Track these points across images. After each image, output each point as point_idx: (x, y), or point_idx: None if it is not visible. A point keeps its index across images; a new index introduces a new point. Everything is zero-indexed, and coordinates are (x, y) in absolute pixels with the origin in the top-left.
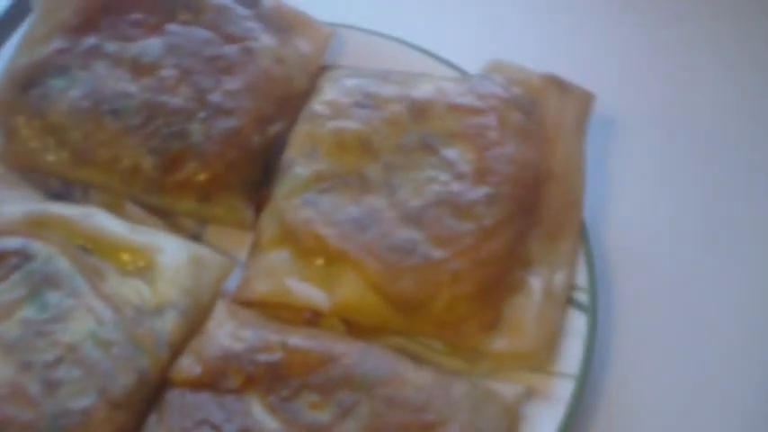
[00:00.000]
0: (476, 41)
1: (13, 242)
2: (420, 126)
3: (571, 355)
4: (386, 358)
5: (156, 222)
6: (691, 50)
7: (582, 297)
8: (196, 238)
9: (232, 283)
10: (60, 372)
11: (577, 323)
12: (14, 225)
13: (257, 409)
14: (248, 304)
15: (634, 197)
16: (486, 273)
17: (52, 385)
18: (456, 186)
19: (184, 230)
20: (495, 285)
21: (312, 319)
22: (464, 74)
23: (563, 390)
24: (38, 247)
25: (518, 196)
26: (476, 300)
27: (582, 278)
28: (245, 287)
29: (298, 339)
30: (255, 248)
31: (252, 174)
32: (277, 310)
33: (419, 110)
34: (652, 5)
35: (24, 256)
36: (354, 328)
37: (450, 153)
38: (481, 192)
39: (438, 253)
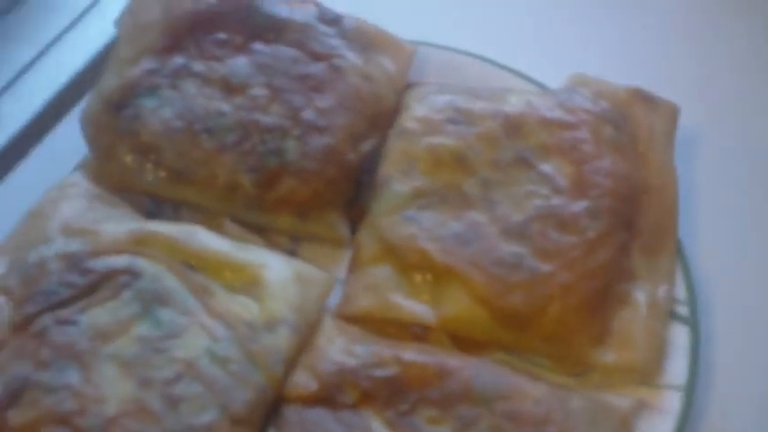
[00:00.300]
0: (553, 55)
1: (120, 261)
2: (514, 141)
3: (676, 367)
4: (501, 372)
5: (255, 239)
6: None
7: (682, 310)
8: (291, 255)
9: (333, 300)
10: (180, 388)
11: (680, 336)
12: (119, 244)
13: (375, 425)
14: (352, 320)
15: (721, 208)
16: (594, 285)
17: (174, 401)
18: (556, 200)
19: (280, 248)
20: (602, 298)
21: (420, 334)
22: (544, 88)
23: (671, 402)
24: (144, 264)
25: (617, 209)
26: (584, 312)
27: (680, 291)
28: (349, 303)
29: (412, 354)
30: (355, 264)
31: (347, 190)
32: (381, 326)
33: (512, 125)
34: (730, 20)
35: (132, 274)
36: (461, 343)
37: (547, 167)
38: (582, 205)
39: (545, 266)
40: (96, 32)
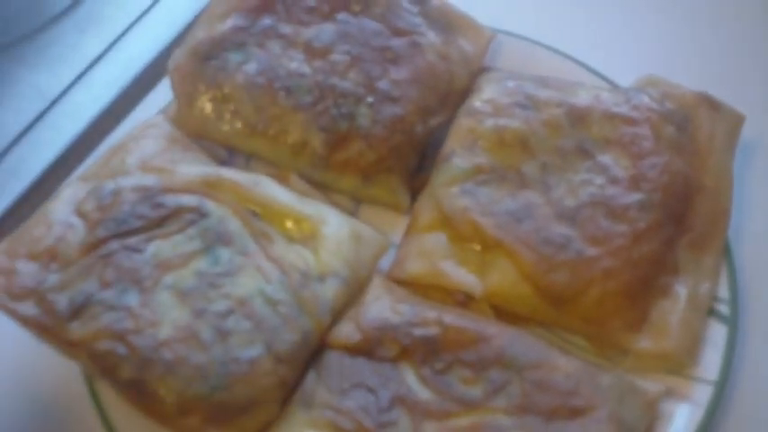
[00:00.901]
0: (627, 55)
1: (189, 199)
2: (577, 131)
3: (710, 362)
4: (536, 344)
5: (318, 195)
6: None
7: (724, 309)
8: (351, 215)
9: (385, 262)
10: (231, 322)
11: (718, 333)
12: (191, 184)
13: (411, 379)
14: (401, 282)
15: None
16: (636, 274)
17: (223, 334)
18: (610, 190)
19: (340, 207)
20: (643, 287)
21: (463, 302)
22: (615, 86)
23: (701, 393)
24: (212, 206)
25: (669, 204)
26: (624, 298)
27: (723, 290)
28: (400, 266)
29: (453, 318)
30: (411, 230)
31: (411, 160)
32: (427, 291)
33: (577, 116)
34: None
35: (199, 213)
36: (502, 314)
37: (606, 159)
38: (635, 197)
39: (591, 250)
40: (164, 24)
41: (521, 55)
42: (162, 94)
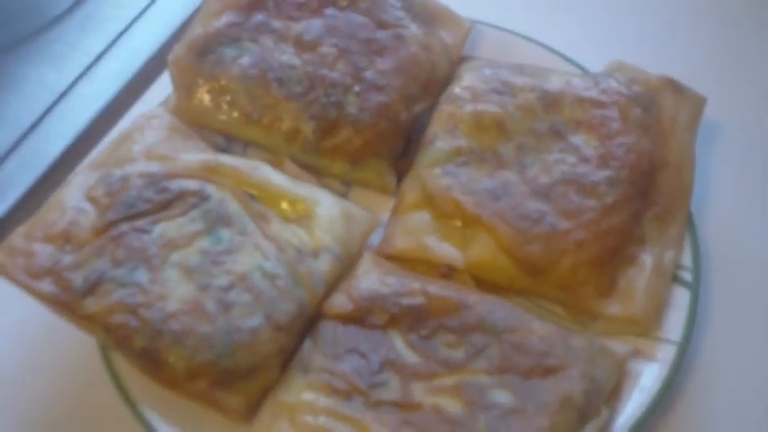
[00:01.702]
0: (598, 42)
1: (192, 184)
2: (550, 114)
3: (674, 324)
4: (513, 310)
5: (311, 179)
6: None
7: (687, 275)
8: (342, 196)
9: (374, 239)
10: (233, 295)
11: (681, 297)
12: (192, 170)
13: (399, 344)
14: (389, 257)
15: (733, 191)
16: (605, 244)
17: (226, 306)
18: (581, 168)
19: (332, 189)
20: (612, 257)
21: (446, 274)
22: (586, 71)
23: (665, 353)
24: (212, 190)
25: (635, 180)
26: (595, 267)
27: (687, 258)
28: (388, 242)
29: (436, 288)
30: (397, 209)
31: (397, 144)
32: (413, 265)
33: (550, 100)
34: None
35: (201, 197)
36: (483, 284)
37: (577, 139)
38: (604, 174)
39: (564, 224)
40: (163, 21)
41: (498, 44)
42: (162, 87)
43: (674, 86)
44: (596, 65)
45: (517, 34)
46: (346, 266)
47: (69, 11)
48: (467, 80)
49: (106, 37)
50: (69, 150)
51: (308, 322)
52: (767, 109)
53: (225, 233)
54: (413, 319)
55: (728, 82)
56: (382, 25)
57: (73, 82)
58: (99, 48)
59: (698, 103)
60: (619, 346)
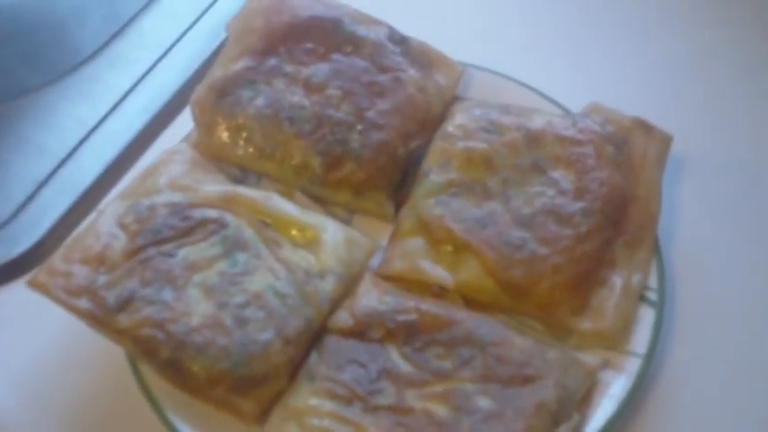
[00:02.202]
0: (578, 83)
1: (212, 212)
2: (533, 151)
3: (640, 338)
4: (497, 326)
5: (318, 208)
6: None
7: (653, 296)
8: (346, 223)
9: (374, 261)
10: (248, 312)
11: (647, 315)
12: (212, 200)
13: (395, 356)
14: (387, 278)
15: (697, 218)
16: (579, 269)
17: (242, 321)
18: (559, 200)
19: (336, 217)
20: (585, 279)
21: (438, 293)
22: (567, 111)
23: (632, 365)
24: (230, 218)
25: (607, 211)
26: (569, 289)
27: (653, 281)
28: (386, 265)
29: (429, 306)
30: (395, 236)
31: (395, 177)
32: (409, 285)
33: (533, 138)
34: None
35: (220, 224)
36: (471, 303)
37: (556, 174)
38: (579, 206)
39: (543, 250)
40: (185, 61)
41: (487, 86)
42: (184, 122)
43: (644, 126)
44: (576, 104)
45: (505, 76)
46: (349, 286)
47: (100, 50)
48: (459, 119)
49: (132, 76)
50: (100, 179)
51: (315, 336)
52: (732, 141)
53: (241, 257)
54: (407, 334)
55: (695, 118)
56: (383, 69)
57: (103, 117)
58: (127, 85)
59: (665, 140)
60: (590, 358)
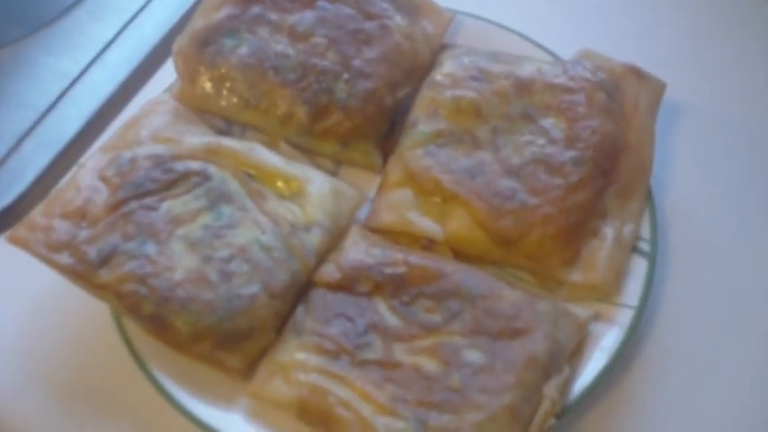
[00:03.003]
0: (569, 30)
1: (195, 164)
2: (522, 99)
3: (632, 290)
4: (486, 278)
5: (304, 159)
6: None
7: (645, 246)
8: (332, 175)
9: (362, 213)
10: (233, 266)
11: (640, 266)
12: (196, 152)
13: (382, 309)
14: (375, 231)
15: (691, 169)
16: (570, 219)
17: (227, 275)
18: (550, 149)
19: (323, 168)
20: (576, 230)
21: (427, 246)
22: (557, 58)
23: (624, 317)
24: (214, 170)
25: (599, 160)
26: (560, 240)
27: (646, 231)
28: (374, 217)
29: (417, 258)
30: (382, 187)
31: (382, 127)
32: (397, 237)
33: (522, 86)
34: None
35: (204, 176)
36: (460, 255)
37: (546, 122)
38: (570, 154)
39: (533, 200)
40: (168, 10)
41: (476, 32)
42: (167, 73)
43: (637, 73)
44: (566, 51)
45: (494, 23)
46: (335, 239)
47: (81, 1)
48: (447, 67)
49: (115, 26)
50: (82, 132)
51: (301, 290)
52: (725, 91)
53: (226, 209)
54: (395, 287)
55: (690, 66)
56: (369, 16)
57: (85, 68)
58: (108, 36)
59: (658, 88)
60: (581, 310)
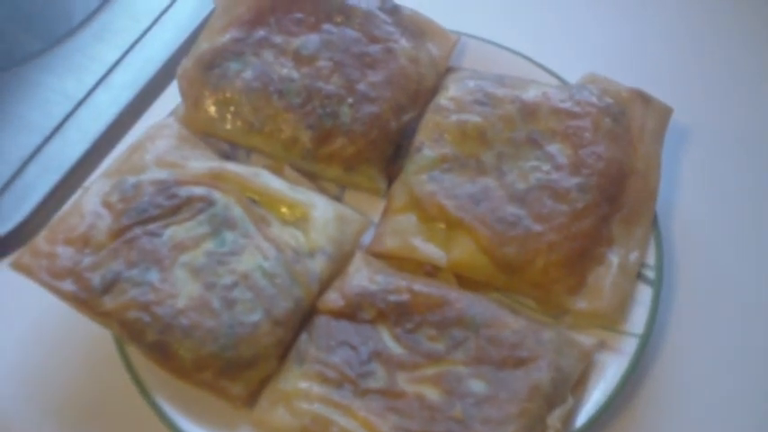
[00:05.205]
0: (575, 53)
1: (199, 190)
2: (528, 124)
3: (637, 318)
4: (490, 306)
5: (308, 184)
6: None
7: (650, 273)
8: (336, 200)
9: (366, 238)
10: (236, 293)
11: (645, 294)
12: (199, 177)
13: (386, 337)
14: (379, 256)
15: (698, 194)
16: (575, 246)
17: (230, 302)
18: (555, 175)
19: (327, 193)
20: (581, 257)
21: (431, 272)
22: (564, 82)
23: (629, 345)
24: (218, 195)
25: (604, 187)
26: (565, 267)
27: (651, 258)
28: (378, 242)
29: (421, 285)
30: (387, 212)
31: (387, 151)
32: (401, 263)
33: (528, 111)
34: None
35: (208, 202)
36: (464, 282)
37: (552, 148)
38: (575, 181)
39: (538, 227)
40: (173, 32)
41: (482, 55)
42: (172, 95)
43: (643, 98)
44: (572, 75)
45: (500, 46)
46: (340, 264)
47: (87, 21)
48: (452, 91)
49: (120, 48)
50: (87, 155)
51: (304, 317)
52: (732, 116)
53: (229, 236)
54: (399, 315)
55: (697, 91)
56: (374, 39)
57: (90, 90)
58: (113, 58)
59: (665, 113)
60: (586, 338)
